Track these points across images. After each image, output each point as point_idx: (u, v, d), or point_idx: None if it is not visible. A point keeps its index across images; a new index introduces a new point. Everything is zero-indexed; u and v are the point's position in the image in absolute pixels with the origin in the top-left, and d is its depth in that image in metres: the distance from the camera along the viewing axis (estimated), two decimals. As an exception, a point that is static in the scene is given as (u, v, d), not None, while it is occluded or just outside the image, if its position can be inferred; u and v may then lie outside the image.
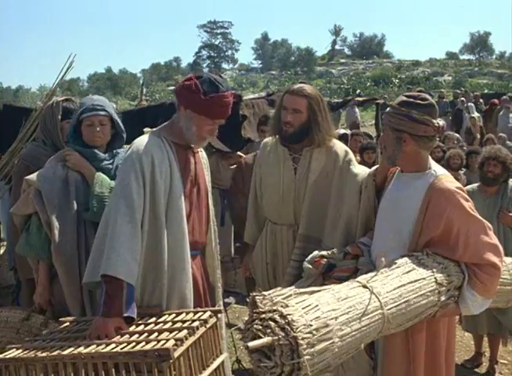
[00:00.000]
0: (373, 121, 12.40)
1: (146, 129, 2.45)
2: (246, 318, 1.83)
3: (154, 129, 2.43)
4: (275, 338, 1.65)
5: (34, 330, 2.70)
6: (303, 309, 1.75)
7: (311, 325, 1.70)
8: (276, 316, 1.70)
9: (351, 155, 3.02)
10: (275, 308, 1.74)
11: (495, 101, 12.62)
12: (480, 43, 48.64)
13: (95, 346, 1.99)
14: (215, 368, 2.16)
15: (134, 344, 1.96)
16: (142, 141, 2.33)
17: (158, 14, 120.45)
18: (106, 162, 2.82)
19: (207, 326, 2.13)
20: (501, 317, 3.82)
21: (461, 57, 46.22)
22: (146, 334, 2.05)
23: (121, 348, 1.94)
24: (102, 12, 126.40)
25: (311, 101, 2.91)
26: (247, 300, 2.02)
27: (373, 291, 1.92)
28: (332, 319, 1.76)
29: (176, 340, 1.93)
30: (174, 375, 1.90)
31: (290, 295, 1.91)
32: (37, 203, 2.71)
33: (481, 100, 13.88)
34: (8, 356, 2.03)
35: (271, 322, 1.69)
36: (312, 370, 1.66)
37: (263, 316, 1.73)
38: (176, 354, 1.89)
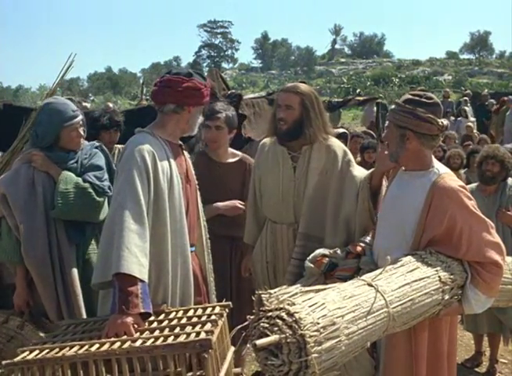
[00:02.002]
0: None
1: (136, 129, 2.44)
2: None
3: (145, 129, 2.43)
4: (283, 336, 1.64)
5: (11, 332, 2.71)
6: (310, 307, 1.74)
7: (318, 323, 1.69)
8: (283, 314, 1.69)
9: (350, 155, 3.04)
10: (281, 306, 1.73)
11: (505, 99, 12.31)
12: (480, 42, 48.64)
13: (119, 343, 1.95)
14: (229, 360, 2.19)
15: (162, 338, 1.94)
16: (140, 139, 2.34)
17: (158, 14, 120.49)
18: (71, 161, 2.83)
19: (222, 319, 2.14)
20: (501, 316, 3.82)
21: (461, 56, 46.19)
22: (168, 329, 2.03)
23: (151, 342, 1.91)
24: (102, 12, 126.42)
25: (304, 97, 2.93)
26: None
27: (378, 290, 1.92)
28: (338, 317, 1.75)
29: (206, 332, 1.93)
30: (211, 366, 1.91)
31: (296, 293, 1.90)
32: (4, 208, 2.72)
33: (491, 100, 13.52)
34: (32, 358, 1.95)
35: (278, 320, 1.68)
36: (320, 369, 1.66)
37: (270, 314, 1.72)
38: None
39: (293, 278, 2.76)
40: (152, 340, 1.94)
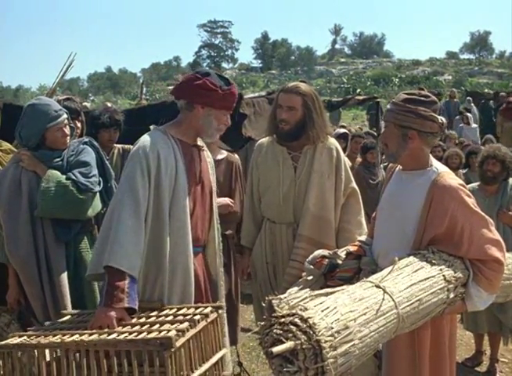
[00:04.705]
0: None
1: (151, 126, 2.46)
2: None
3: (159, 127, 2.46)
4: (298, 342, 1.62)
5: None
6: (322, 311, 1.73)
7: (332, 328, 1.68)
8: (297, 320, 1.67)
9: (343, 156, 3.16)
10: (294, 311, 1.72)
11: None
12: (480, 42, 48.59)
13: (97, 335, 2.01)
14: (215, 362, 2.17)
15: (136, 333, 1.97)
16: (148, 137, 2.36)
17: (158, 13, 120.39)
18: (57, 159, 2.84)
19: (208, 320, 2.14)
20: (501, 316, 3.82)
21: (461, 56, 46.13)
22: (147, 325, 2.06)
23: (124, 337, 1.96)
24: (102, 12, 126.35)
25: (306, 98, 2.94)
26: None
27: (387, 291, 1.91)
28: (351, 320, 1.74)
29: (178, 331, 1.94)
30: (174, 365, 1.92)
31: (306, 298, 1.89)
32: None
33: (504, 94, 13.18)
34: (11, 343, 2.05)
35: (292, 326, 1.66)
36: (336, 374, 1.65)
37: (282, 320, 1.70)
38: (177, 344, 1.90)
39: (292, 279, 2.75)
40: (125, 334, 1.98)
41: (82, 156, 2.89)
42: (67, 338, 2.00)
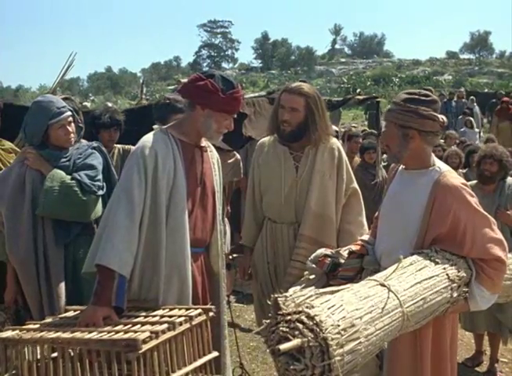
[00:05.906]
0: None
1: (155, 126, 2.47)
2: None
3: (162, 127, 2.46)
4: (305, 339, 1.62)
5: None
6: (329, 309, 1.73)
7: (338, 325, 1.67)
8: (303, 318, 1.66)
9: (344, 156, 3.15)
10: (300, 309, 1.71)
11: (506, 99, 12.25)
12: (480, 42, 48.54)
13: (78, 333, 2.00)
14: (200, 366, 2.12)
15: (113, 333, 1.96)
16: (148, 137, 2.37)
17: (158, 13, 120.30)
18: (64, 159, 2.83)
19: (193, 323, 2.10)
20: (500, 316, 3.82)
21: (461, 56, 46.10)
22: (129, 326, 2.04)
23: (94, 336, 1.95)
24: (102, 12, 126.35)
25: (309, 100, 2.93)
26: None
27: (391, 289, 1.91)
28: (357, 318, 1.74)
29: (152, 332, 1.92)
30: (144, 367, 1.89)
31: (312, 295, 1.88)
32: None
33: None
34: None
35: (298, 323, 1.65)
36: (342, 371, 1.64)
37: (289, 317, 1.70)
38: (147, 346, 1.87)
39: (293, 279, 2.74)
40: (102, 334, 1.97)
41: (90, 159, 2.89)
42: (48, 335, 2.01)
